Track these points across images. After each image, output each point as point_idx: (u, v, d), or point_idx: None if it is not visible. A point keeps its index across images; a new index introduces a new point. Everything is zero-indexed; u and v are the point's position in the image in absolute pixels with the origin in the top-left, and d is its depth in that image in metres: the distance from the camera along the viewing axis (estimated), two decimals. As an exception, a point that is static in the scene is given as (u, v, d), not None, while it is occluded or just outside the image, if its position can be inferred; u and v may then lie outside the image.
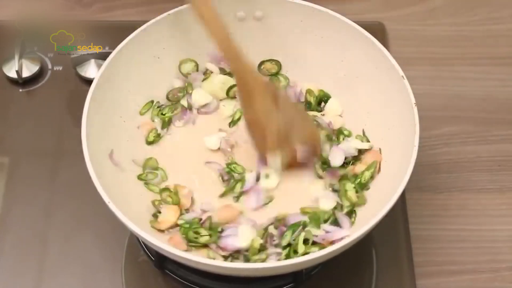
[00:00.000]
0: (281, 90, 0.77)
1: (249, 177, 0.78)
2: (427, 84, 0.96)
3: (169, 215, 0.75)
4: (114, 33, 0.85)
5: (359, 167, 0.78)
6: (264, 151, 0.77)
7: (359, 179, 0.76)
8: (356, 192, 0.76)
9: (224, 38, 0.74)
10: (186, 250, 0.73)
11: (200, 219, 0.75)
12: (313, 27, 0.83)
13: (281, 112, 0.75)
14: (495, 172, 0.90)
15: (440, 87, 0.97)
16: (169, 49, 0.83)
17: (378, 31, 0.98)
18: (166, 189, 0.77)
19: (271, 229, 0.75)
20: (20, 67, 0.93)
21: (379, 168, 0.78)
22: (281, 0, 0.82)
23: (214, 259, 0.72)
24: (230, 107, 0.84)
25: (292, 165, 0.77)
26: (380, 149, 0.79)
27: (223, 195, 0.77)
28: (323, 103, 0.84)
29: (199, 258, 0.65)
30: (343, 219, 0.74)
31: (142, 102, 0.83)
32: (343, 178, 0.77)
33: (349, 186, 0.76)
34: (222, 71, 0.86)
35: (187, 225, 0.74)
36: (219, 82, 0.84)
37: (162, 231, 0.75)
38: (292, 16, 0.83)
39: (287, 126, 0.75)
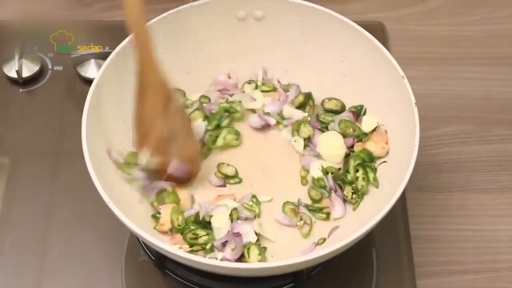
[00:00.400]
0: (176, 97, 0.74)
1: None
2: (427, 84, 0.96)
3: (168, 215, 0.75)
4: (114, 33, 0.84)
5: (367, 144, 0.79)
6: (140, 148, 0.75)
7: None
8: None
9: (139, 24, 0.70)
10: (190, 251, 0.73)
11: (197, 215, 0.75)
12: (313, 27, 0.83)
13: (168, 120, 0.73)
14: (495, 172, 0.90)
15: (440, 87, 0.97)
16: (169, 49, 0.83)
17: (378, 31, 0.98)
18: (163, 190, 0.77)
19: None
20: (20, 67, 0.93)
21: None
22: (281, 0, 0.82)
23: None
24: None
25: (163, 174, 0.76)
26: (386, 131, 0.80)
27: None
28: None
29: (199, 258, 0.65)
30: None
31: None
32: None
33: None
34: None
35: (181, 226, 0.74)
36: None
37: (165, 232, 0.75)
38: (292, 16, 0.83)
39: (169, 135, 0.73)
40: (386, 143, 0.79)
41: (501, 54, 1.01)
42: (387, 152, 0.78)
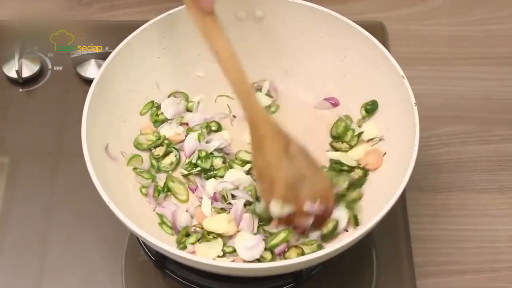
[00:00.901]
0: (295, 140, 0.71)
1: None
2: (427, 84, 0.96)
3: None
4: (114, 33, 0.84)
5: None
6: (269, 200, 0.72)
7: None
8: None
9: (240, 80, 0.69)
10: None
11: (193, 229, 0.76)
12: (313, 27, 0.83)
13: (292, 163, 0.71)
14: (495, 172, 0.90)
15: (440, 87, 0.97)
16: (170, 49, 0.83)
17: (378, 31, 0.98)
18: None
19: None
20: (20, 67, 0.93)
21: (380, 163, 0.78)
22: (281, 0, 0.82)
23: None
24: None
25: (297, 222, 0.73)
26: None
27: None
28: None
29: (199, 258, 0.65)
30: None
31: (143, 102, 0.83)
32: None
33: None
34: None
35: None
36: None
37: None
38: (293, 16, 0.83)
39: (297, 178, 0.71)
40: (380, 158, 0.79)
41: (501, 54, 1.01)
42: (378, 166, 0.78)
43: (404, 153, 0.72)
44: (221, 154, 0.80)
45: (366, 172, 0.78)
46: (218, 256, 0.73)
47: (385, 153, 0.78)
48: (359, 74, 0.82)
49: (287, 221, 0.73)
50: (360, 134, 0.80)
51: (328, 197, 0.74)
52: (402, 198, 0.84)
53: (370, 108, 0.81)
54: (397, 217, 0.83)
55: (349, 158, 0.80)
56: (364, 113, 0.82)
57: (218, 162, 0.80)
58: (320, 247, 0.73)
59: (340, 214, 0.74)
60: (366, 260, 0.81)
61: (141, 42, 0.80)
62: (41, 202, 0.85)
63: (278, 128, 0.71)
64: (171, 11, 0.81)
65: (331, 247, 0.66)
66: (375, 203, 0.74)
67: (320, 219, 0.73)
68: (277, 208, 0.72)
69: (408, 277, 0.80)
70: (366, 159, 0.79)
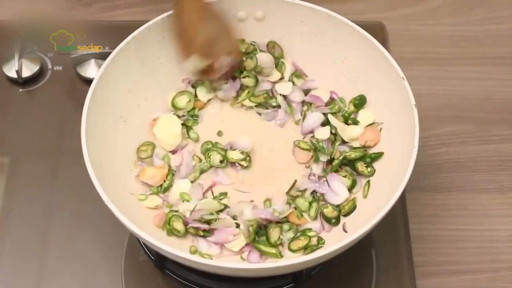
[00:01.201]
0: (210, 5, 0.80)
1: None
2: (427, 84, 0.96)
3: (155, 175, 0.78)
4: (114, 33, 0.84)
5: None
6: (186, 56, 0.80)
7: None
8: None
9: None
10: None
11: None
12: (313, 27, 0.83)
13: (207, 25, 0.79)
14: (495, 172, 0.90)
15: (440, 87, 0.97)
16: (170, 49, 0.83)
17: (378, 31, 0.98)
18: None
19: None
20: (20, 67, 0.93)
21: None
22: (281, 1, 0.82)
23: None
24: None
25: (209, 73, 0.81)
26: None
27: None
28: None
29: (199, 258, 0.66)
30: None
31: (143, 102, 0.82)
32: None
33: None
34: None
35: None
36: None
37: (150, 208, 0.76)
38: (293, 17, 0.83)
39: (211, 37, 0.79)
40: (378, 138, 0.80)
41: (501, 54, 1.01)
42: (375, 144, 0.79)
43: (403, 154, 0.72)
44: None
45: (377, 154, 0.79)
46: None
47: (381, 129, 0.79)
48: (359, 74, 0.82)
49: (206, 73, 0.82)
50: (355, 120, 0.81)
51: (237, 49, 0.83)
52: (402, 198, 0.84)
53: (358, 103, 0.82)
54: (397, 217, 0.83)
55: (346, 132, 0.81)
56: (352, 108, 0.82)
57: None
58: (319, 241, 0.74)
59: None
60: (366, 260, 0.81)
61: (141, 42, 0.80)
62: (41, 202, 0.85)
63: None
64: (172, 11, 0.81)
65: (331, 247, 0.66)
66: (375, 203, 0.74)
67: (231, 71, 0.84)
68: (194, 62, 0.80)
69: (408, 277, 0.80)
70: (364, 137, 0.80)
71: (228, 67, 0.82)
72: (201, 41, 0.79)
